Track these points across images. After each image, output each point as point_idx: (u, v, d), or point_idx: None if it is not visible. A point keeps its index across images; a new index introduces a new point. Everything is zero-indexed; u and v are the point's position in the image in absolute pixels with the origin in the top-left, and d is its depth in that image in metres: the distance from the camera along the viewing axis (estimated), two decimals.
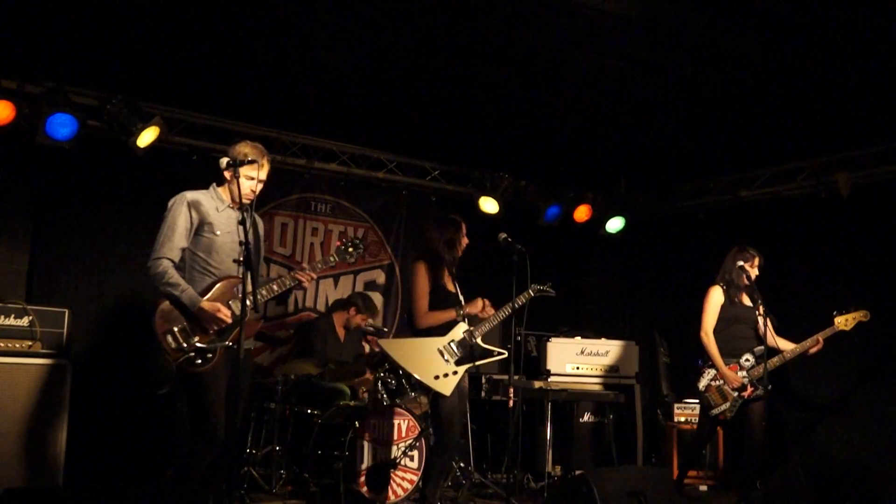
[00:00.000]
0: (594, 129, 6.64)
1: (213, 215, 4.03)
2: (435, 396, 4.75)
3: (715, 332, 5.44)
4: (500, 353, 4.83)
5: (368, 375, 6.20)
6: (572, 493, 4.66)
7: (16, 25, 5.08)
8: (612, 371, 6.77)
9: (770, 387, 5.23)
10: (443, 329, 4.80)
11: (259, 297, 3.97)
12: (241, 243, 3.81)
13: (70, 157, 5.88)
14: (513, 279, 4.73)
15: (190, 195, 4.03)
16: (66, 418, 5.23)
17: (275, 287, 4.13)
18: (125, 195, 6.22)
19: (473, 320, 4.85)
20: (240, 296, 3.92)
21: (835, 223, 6.53)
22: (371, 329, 6.77)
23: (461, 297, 4.91)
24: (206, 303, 3.89)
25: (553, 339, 6.73)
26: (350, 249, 4.32)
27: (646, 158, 7.28)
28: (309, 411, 5.74)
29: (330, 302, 7.10)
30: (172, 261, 3.94)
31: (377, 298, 7.45)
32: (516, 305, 4.87)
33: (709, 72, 5.34)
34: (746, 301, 5.50)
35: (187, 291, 3.89)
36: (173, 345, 3.86)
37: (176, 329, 3.88)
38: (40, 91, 5.64)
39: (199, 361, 3.87)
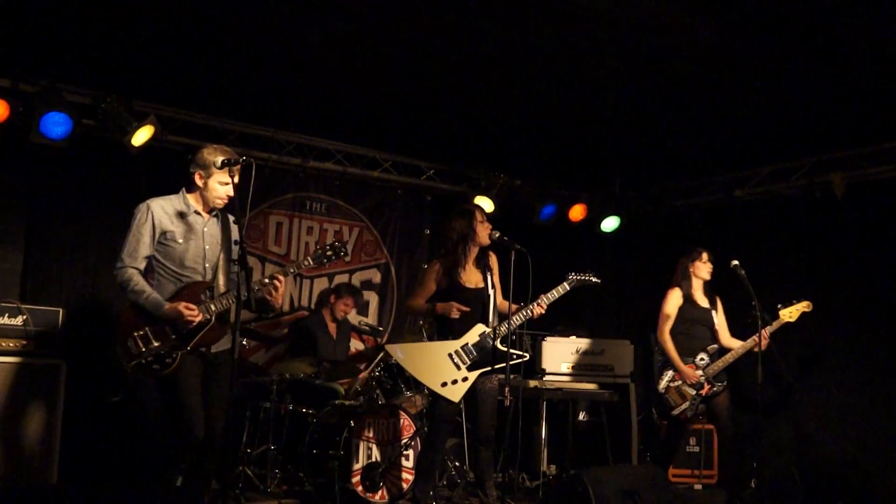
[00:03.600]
0: (589, 129, 6.65)
1: (175, 223, 4.04)
2: (434, 396, 4.72)
3: (673, 332, 5.61)
4: (519, 357, 4.73)
5: (363, 374, 6.21)
6: (567, 492, 4.68)
7: (10, 24, 5.06)
8: (606, 370, 6.77)
9: (726, 383, 5.45)
10: (457, 331, 4.73)
11: (220, 304, 4.01)
12: (236, 242, 3.83)
13: (64, 156, 5.87)
14: (510, 278, 4.67)
15: (154, 204, 4.04)
16: (61, 417, 5.22)
17: (233, 295, 4.01)
18: (120, 194, 6.19)
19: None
20: (206, 300, 3.98)
21: (829, 223, 6.54)
22: (366, 328, 6.77)
23: (491, 291, 4.80)
24: (168, 306, 3.89)
25: (548, 339, 6.72)
26: (329, 253, 4.22)
27: (641, 158, 7.29)
28: (304, 410, 5.74)
29: None
30: (137, 269, 3.97)
31: (373, 298, 7.46)
32: (550, 299, 4.81)
33: (703, 71, 5.35)
34: (703, 303, 5.67)
35: (151, 297, 3.91)
36: (133, 350, 3.88)
37: (137, 335, 3.90)
38: (34, 90, 5.62)
39: (157, 367, 3.88)
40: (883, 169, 6.15)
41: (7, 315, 5.26)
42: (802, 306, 5.53)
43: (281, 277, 4.09)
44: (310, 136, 6.94)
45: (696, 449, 6.69)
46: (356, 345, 7.00)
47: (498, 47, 5.18)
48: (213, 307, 3.99)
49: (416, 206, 7.69)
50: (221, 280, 4.10)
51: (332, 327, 6.58)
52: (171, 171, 6.25)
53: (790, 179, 6.71)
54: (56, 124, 5.58)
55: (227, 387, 3.84)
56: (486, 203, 7.29)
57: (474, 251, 4.85)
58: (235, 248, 4.14)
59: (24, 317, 5.29)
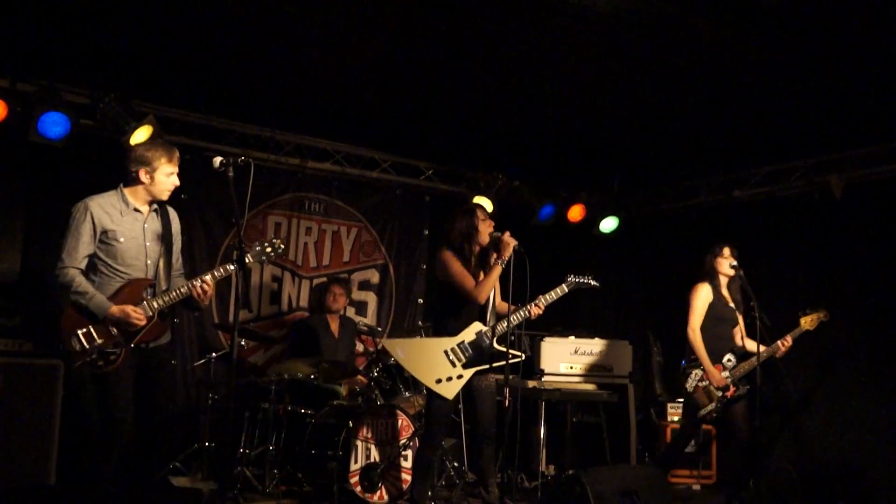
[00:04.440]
0: (588, 129, 6.65)
1: (116, 221, 4.11)
2: (430, 394, 4.71)
3: (701, 330, 5.46)
4: (516, 356, 4.69)
5: (361, 378, 6.20)
6: (566, 492, 4.67)
7: (8, 23, 5.05)
8: (605, 371, 6.76)
9: (749, 387, 5.33)
10: (454, 329, 4.72)
11: (162, 301, 4.11)
12: (236, 246, 3.88)
13: (62, 155, 5.86)
14: (509, 279, 4.66)
15: (92, 203, 4.11)
16: (59, 418, 5.21)
17: (183, 290, 4.14)
18: None
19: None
20: (147, 298, 4.09)
21: (827, 223, 6.55)
22: (365, 329, 6.76)
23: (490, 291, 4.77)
24: (114, 308, 3.99)
25: (547, 339, 6.72)
26: (268, 250, 4.36)
27: (639, 158, 7.29)
28: (303, 411, 5.74)
29: None
30: (79, 268, 4.04)
31: (371, 298, 7.45)
32: (548, 301, 4.78)
33: (702, 72, 5.35)
34: (731, 302, 5.56)
35: (95, 298, 4.00)
36: (77, 348, 3.97)
37: (80, 332, 3.98)
38: (32, 89, 5.62)
39: (102, 363, 3.99)
40: (881, 169, 6.16)
41: (5, 315, 5.24)
42: (820, 315, 5.49)
43: (209, 280, 4.14)
44: (308, 137, 6.94)
45: (695, 449, 6.69)
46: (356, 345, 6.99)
47: (497, 48, 5.18)
48: (155, 304, 4.09)
49: (414, 206, 7.69)
50: (162, 276, 4.20)
51: (334, 327, 6.56)
52: None
53: (789, 180, 6.71)
54: (54, 124, 5.58)
55: (170, 380, 4.29)
56: (484, 203, 7.30)
57: (476, 250, 4.84)
58: (177, 244, 4.31)
59: (23, 317, 5.28)
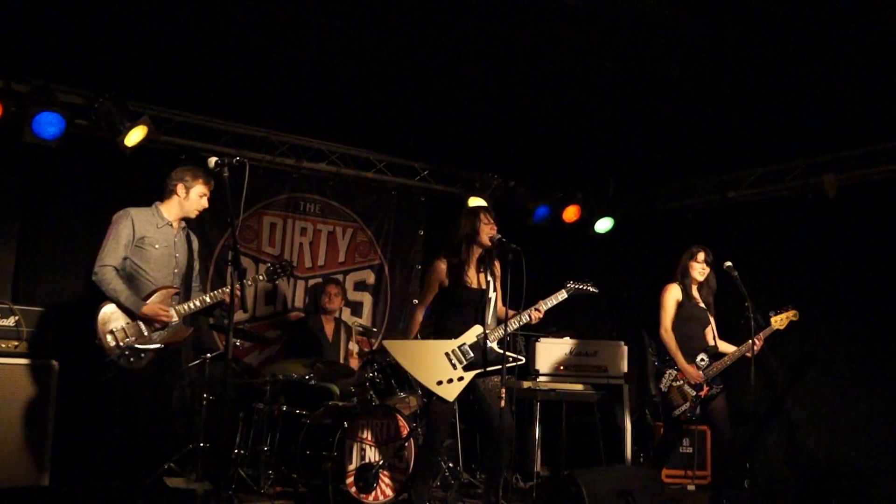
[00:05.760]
0: (583, 130, 6.66)
1: (152, 231, 4.58)
2: (429, 396, 4.70)
3: (672, 330, 5.50)
4: (515, 360, 4.72)
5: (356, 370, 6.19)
6: (561, 493, 4.68)
7: (2, 23, 5.04)
8: (600, 371, 6.78)
9: (723, 385, 5.41)
10: (455, 331, 4.71)
11: (188, 307, 4.53)
12: (232, 247, 3.97)
13: (57, 156, 5.85)
14: (507, 280, 4.66)
15: (134, 212, 4.58)
16: (53, 418, 5.20)
17: (207, 299, 4.58)
18: (113, 195, 6.16)
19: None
20: (173, 304, 4.50)
21: (822, 225, 6.57)
22: (360, 329, 6.76)
23: (492, 294, 4.78)
24: (147, 306, 4.44)
25: (542, 340, 6.73)
26: (279, 270, 4.96)
27: (634, 159, 7.30)
28: (297, 411, 5.73)
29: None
30: (115, 268, 4.47)
31: (366, 299, 7.45)
32: (548, 305, 4.79)
33: (697, 73, 5.36)
34: (701, 302, 5.60)
35: (130, 297, 4.42)
36: (111, 343, 4.37)
37: (115, 329, 4.39)
38: (27, 89, 5.61)
39: (133, 359, 4.39)
40: (875, 170, 6.18)
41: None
42: (790, 315, 5.54)
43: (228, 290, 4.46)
44: (304, 137, 6.93)
45: (690, 450, 6.70)
46: (351, 346, 6.98)
47: (492, 48, 5.18)
48: (182, 310, 4.51)
49: (409, 206, 7.68)
50: (184, 287, 4.65)
51: (328, 329, 6.57)
52: (164, 171, 6.24)
53: (783, 181, 6.73)
54: (49, 124, 5.57)
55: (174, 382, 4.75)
56: (479, 204, 7.28)
57: (477, 252, 4.84)
58: (197, 264, 4.77)
59: (17, 317, 5.26)
